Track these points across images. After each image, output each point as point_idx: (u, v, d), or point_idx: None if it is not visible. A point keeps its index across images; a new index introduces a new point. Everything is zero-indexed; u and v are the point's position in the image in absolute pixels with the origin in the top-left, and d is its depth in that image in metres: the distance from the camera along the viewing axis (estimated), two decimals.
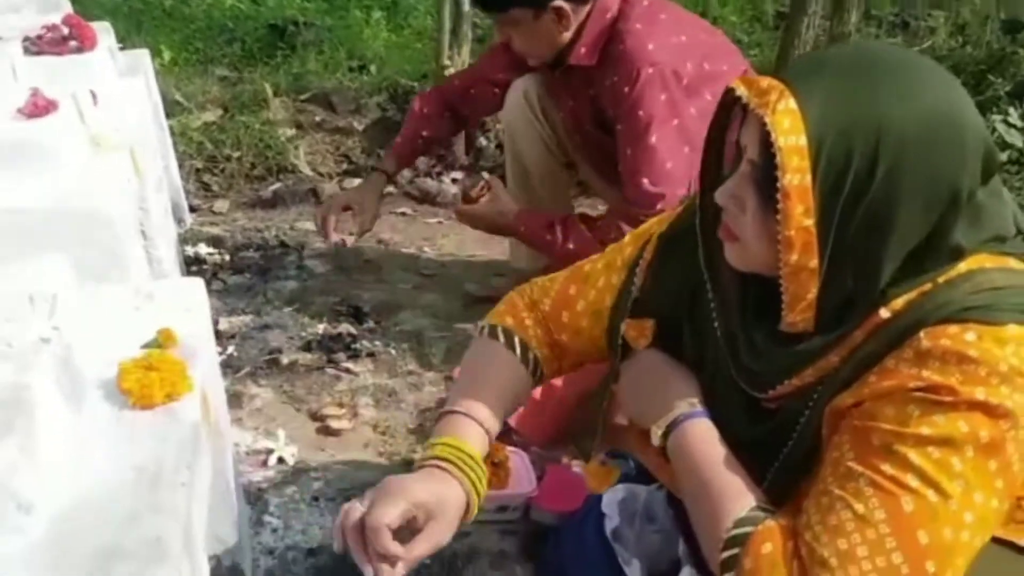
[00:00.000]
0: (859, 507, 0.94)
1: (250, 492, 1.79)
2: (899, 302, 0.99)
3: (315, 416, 2.06)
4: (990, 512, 0.95)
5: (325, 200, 2.89)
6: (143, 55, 2.60)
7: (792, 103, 0.95)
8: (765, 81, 0.98)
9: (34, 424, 1.03)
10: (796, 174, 0.94)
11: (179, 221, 2.84)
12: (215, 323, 2.17)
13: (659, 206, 1.96)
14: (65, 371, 1.14)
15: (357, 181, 3.28)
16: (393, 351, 2.31)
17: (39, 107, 1.69)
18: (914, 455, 0.93)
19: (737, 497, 1.07)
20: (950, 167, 0.96)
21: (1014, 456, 0.94)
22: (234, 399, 2.06)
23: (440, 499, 1.12)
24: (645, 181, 2.01)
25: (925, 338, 0.95)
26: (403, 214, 3.17)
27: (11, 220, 1.54)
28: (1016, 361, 0.92)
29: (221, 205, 3.20)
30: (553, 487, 1.76)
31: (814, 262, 0.97)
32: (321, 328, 2.40)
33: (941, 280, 0.98)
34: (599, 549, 1.43)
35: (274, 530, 1.73)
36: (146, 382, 1.18)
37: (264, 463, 1.89)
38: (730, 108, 1.07)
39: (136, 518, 1.00)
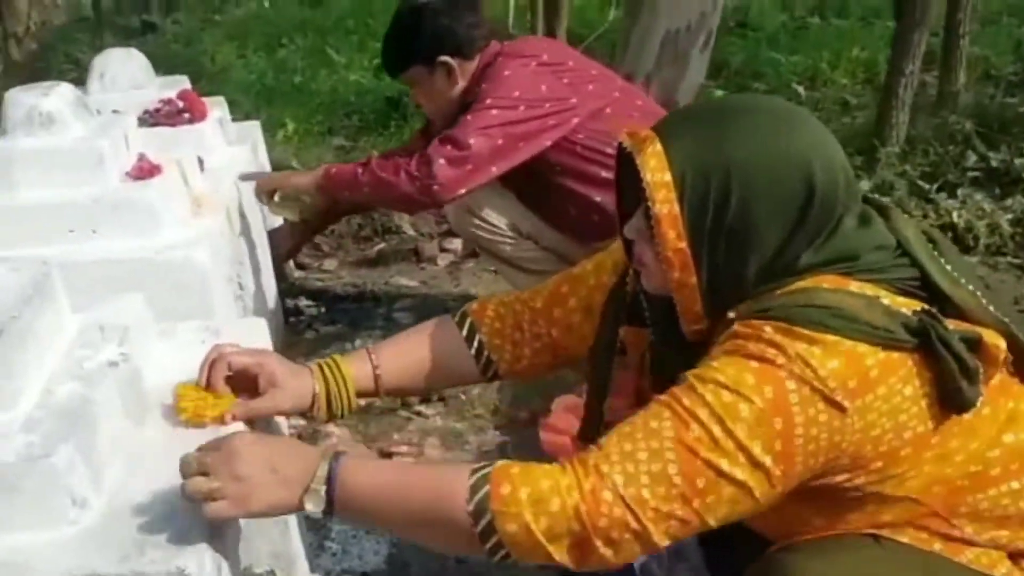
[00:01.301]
0: (653, 424, 1.05)
1: (314, 519, 1.93)
2: (743, 307, 1.11)
3: (383, 453, 2.20)
4: (763, 466, 1.02)
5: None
6: (254, 126, 2.87)
7: (659, 146, 1.11)
8: (645, 132, 1.14)
9: (95, 432, 1.21)
10: (664, 204, 1.10)
11: (280, 277, 3.08)
12: None
13: (471, 132, 2.18)
14: (130, 391, 1.32)
15: (457, 241, 3.47)
16: (463, 396, 2.44)
17: (144, 170, 1.93)
18: (709, 394, 1.04)
19: (453, 476, 1.10)
20: (796, 197, 1.09)
21: (799, 420, 1.02)
22: (311, 437, 2.23)
23: (290, 377, 1.35)
24: (469, 118, 2.22)
25: (737, 325, 1.08)
26: (495, 272, 3.32)
27: (111, 269, 1.77)
28: (803, 351, 1.02)
29: (330, 264, 3.44)
30: None
31: (693, 279, 1.12)
32: None
33: (779, 292, 1.10)
34: None
35: (333, 554, 1.87)
36: (199, 404, 1.35)
37: None
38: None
39: (173, 515, 1.16)
